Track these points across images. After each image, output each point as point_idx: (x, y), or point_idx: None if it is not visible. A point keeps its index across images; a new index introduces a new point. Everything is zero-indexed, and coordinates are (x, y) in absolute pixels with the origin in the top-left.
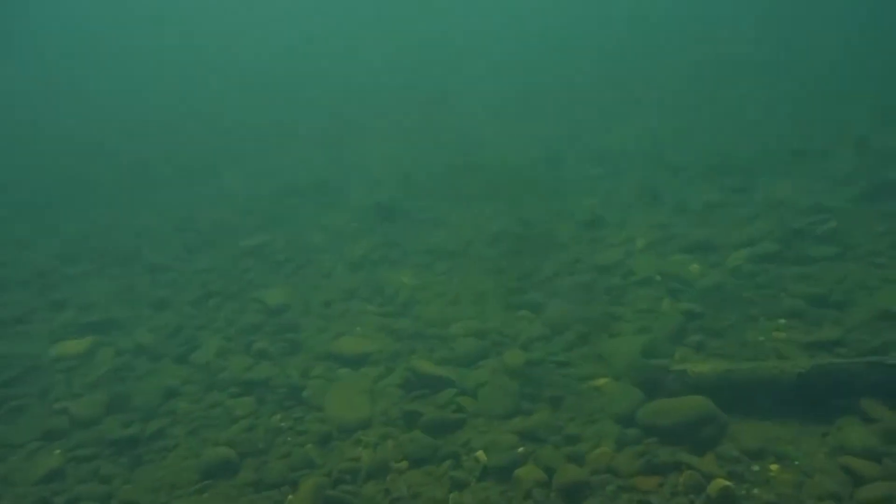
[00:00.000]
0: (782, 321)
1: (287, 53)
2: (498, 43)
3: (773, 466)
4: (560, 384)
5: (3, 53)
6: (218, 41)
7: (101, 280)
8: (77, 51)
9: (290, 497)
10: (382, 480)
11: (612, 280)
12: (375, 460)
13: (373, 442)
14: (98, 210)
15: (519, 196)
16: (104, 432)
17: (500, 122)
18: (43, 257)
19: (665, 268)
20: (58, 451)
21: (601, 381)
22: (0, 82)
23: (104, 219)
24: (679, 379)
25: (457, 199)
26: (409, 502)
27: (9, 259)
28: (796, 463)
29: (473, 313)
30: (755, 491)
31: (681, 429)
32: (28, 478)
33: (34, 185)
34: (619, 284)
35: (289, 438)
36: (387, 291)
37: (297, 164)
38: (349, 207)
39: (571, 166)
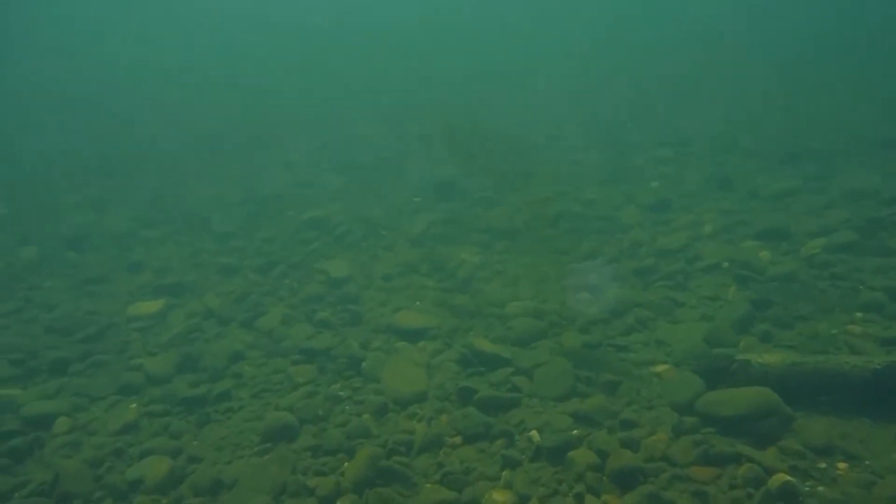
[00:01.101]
0: (859, 314)
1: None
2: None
3: (841, 465)
4: (618, 368)
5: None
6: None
7: (173, 245)
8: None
9: (346, 464)
10: (435, 454)
11: (676, 265)
12: (429, 434)
13: (427, 416)
14: (169, 177)
15: (582, 177)
16: (175, 390)
17: (568, 104)
18: (120, 220)
19: (733, 254)
20: (133, 406)
21: (661, 368)
22: (102, 56)
23: (175, 187)
24: (743, 369)
25: (517, 178)
26: (461, 477)
27: (88, 221)
28: (866, 462)
29: (532, 293)
30: (820, 489)
31: (741, 420)
32: (106, 428)
33: (111, 151)
34: (684, 269)
35: (347, 407)
36: (447, 267)
37: (359, 137)
38: (409, 183)
39: (641, 148)
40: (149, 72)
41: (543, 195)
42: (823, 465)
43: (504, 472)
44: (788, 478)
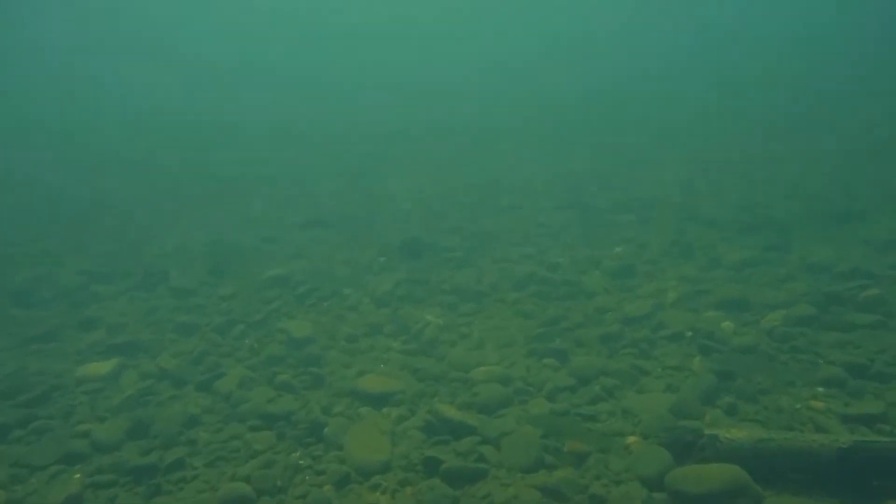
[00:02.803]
0: (820, 389)
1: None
2: (535, 81)
3: None
4: (586, 439)
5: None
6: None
7: (128, 301)
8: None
9: None
10: None
11: (640, 332)
12: None
13: (391, 487)
14: (129, 230)
15: (547, 240)
16: (124, 458)
17: (532, 163)
18: (73, 274)
19: (696, 323)
20: (77, 476)
21: (629, 440)
22: (51, 95)
23: (134, 240)
24: (710, 444)
25: (484, 239)
26: None
27: (38, 274)
28: None
29: (498, 358)
30: None
31: (711, 499)
32: (46, 502)
33: (69, 201)
34: (649, 337)
35: (307, 477)
36: (412, 329)
37: (325, 196)
38: (376, 242)
39: (602, 212)
40: (113, 121)
41: (510, 257)
42: None
43: None
44: None
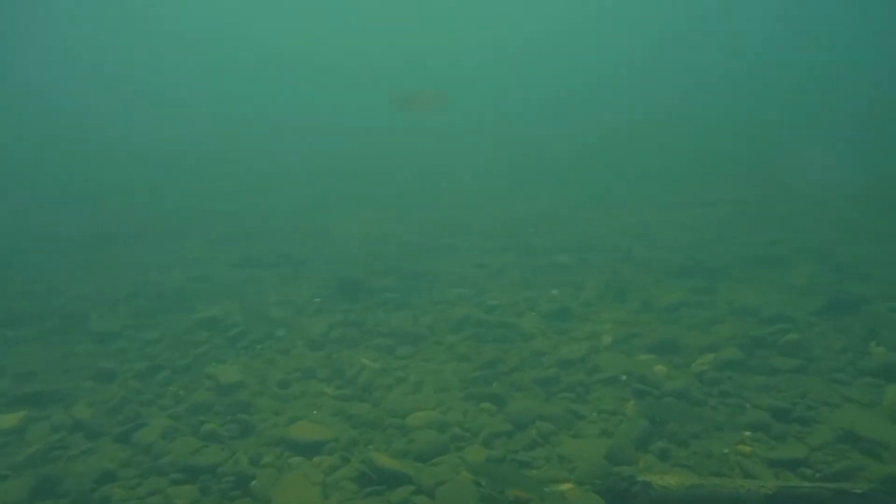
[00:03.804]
0: (747, 433)
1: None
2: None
3: None
4: (524, 485)
5: None
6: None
7: (41, 346)
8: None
9: None
10: None
11: (576, 376)
12: None
13: None
14: (46, 271)
15: (485, 282)
16: None
17: (479, 202)
18: None
19: (630, 367)
20: None
21: (565, 486)
22: None
23: (53, 281)
24: (644, 491)
25: (422, 280)
26: None
27: None
28: None
29: (434, 403)
30: None
31: None
32: None
33: None
34: (584, 381)
35: None
36: (346, 373)
37: (263, 233)
38: (311, 282)
39: (542, 253)
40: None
41: (447, 299)
42: None
43: None
44: None
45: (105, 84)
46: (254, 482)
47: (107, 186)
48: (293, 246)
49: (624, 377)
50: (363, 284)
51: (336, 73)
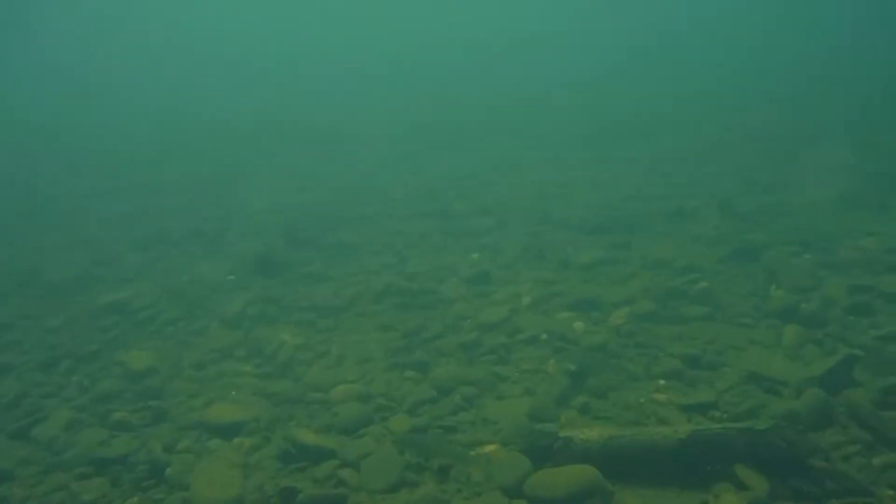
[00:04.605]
0: (662, 382)
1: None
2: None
3: None
4: (447, 452)
5: None
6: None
7: None
8: None
9: None
10: None
11: (498, 338)
12: None
13: None
14: None
15: (406, 249)
16: None
17: (391, 168)
18: None
19: (551, 326)
20: None
21: (489, 448)
22: None
23: None
24: (566, 446)
25: (342, 250)
26: None
27: None
28: None
29: (358, 375)
30: None
31: (567, 501)
32: None
33: None
34: (506, 343)
35: None
36: (266, 351)
37: (168, 209)
38: (226, 258)
39: (460, 217)
40: None
41: (368, 269)
42: None
43: None
44: None
45: None
46: (169, 469)
47: None
48: (205, 221)
49: (544, 336)
50: (281, 258)
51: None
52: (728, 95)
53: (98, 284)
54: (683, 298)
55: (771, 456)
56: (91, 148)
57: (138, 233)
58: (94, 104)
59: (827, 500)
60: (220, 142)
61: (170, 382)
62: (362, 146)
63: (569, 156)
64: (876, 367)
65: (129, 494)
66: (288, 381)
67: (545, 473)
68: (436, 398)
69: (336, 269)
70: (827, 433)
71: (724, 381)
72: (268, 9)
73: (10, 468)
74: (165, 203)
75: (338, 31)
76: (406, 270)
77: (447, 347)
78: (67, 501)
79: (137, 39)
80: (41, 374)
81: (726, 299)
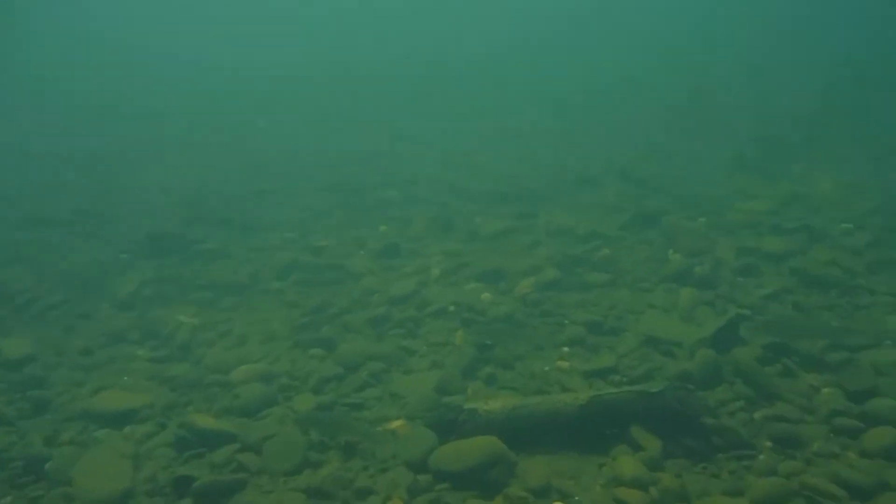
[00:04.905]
0: (566, 349)
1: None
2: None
3: None
4: (353, 429)
5: None
6: None
7: None
8: None
9: None
10: None
11: (407, 312)
12: None
13: None
14: None
15: (311, 224)
16: None
17: (297, 142)
18: None
19: (459, 297)
20: None
21: (395, 424)
22: None
23: None
24: (471, 418)
25: (243, 226)
26: None
27: None
28: (577, 499)
29: (261, 354)
30: None
31: (471, 473)
32: None
33: None
34: (414, 316)
35: None
36: (162, 333)
37: (54, 187)
38: (117, 238)
39: (368, 190)
40: None
41: (271, 245)
42: None
43: None
44: None
45: None
46: (49, 463)
47: None
48: (93, 200)
49: (452, 308)
50: (177, 236)
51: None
52: (650, 74)
53: None
54: (586, 265)
55: (665, 416)
56: None
57: (17, 212)
58: None
59: (714, 456)
60: (125, 121)
61: (52, 371)
62: (266, 119)
63: (476, 126)
64: (760, 325)
65: (3, 494)
66: (186, 364)
67: (450, 447)
68: (342, 375)
69: (237, 245)
70: (716, 391)
71: (624, 345)
72: None
73: None
74: (48, 181)
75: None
76: (312, 245)
77: (354, 323)
78: None
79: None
80: None
81: (627, 265)
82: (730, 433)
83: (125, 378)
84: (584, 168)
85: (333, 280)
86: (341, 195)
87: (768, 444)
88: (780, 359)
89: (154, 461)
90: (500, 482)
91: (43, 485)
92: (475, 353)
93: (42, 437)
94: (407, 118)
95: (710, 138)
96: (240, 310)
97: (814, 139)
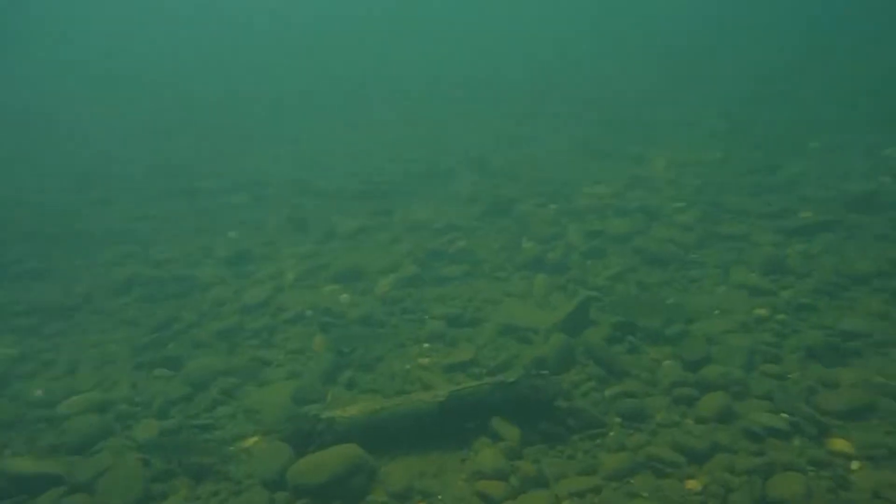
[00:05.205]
0: (426, 345)
1: None
2: None
3: None
4: (202, 451)
5: None
6: None
7: None
8: None
9: None
10: None
11: (261, 320)
12: None
13: None
14: None
15: (150, 234)
16: None
17: (130, 150)
18: None
19: (316, 301)
20: None
21: (250, 441)
22: None
23: None
24: (328, 428)
25: (69, 241)
26: None
27: None
28: (439, 497)
29: (94, 382)
30: None
31: (330, 484)
32: None
33: None
34: (269, 324)
35: None
36: None
37: None
38: None
39: (210, 194)
40: None
41: (106, 260)
42: None
43: None
44: None
45: None
46: None
47: None
48: None
49: (310, 312)
50: None
51: None
52: (505, 69)
53: None
54: (444, 259)
55: (522, 405)
56: None
57: None
58: None
59: (570, 438)
60: None
61: None
62: (92, 126)
63: (323, 124)
64: (608, 305)
65: None
66: (2, 400)
67: (308, 460)
68: (190, 395)
69: (64, 263)
70: (570, 373)
71: (483, 336)
72: None
73: None
74: None
75: None
76: (153, 257)
77: (204, 337)
78: None
79: None
80: None
81: (483, 255)
82: (583, 414)
83: None
84: (440, 161)
85: (179, 293)
86: (182, 200)
87: (617, 420)
88: (626, 337)
89: None
90: (361, 490)
91: None
92: (334, 357)
93: None
94: (250, 119)
95: (558, 125)
96: (69, 334)
97: (647, 123)
